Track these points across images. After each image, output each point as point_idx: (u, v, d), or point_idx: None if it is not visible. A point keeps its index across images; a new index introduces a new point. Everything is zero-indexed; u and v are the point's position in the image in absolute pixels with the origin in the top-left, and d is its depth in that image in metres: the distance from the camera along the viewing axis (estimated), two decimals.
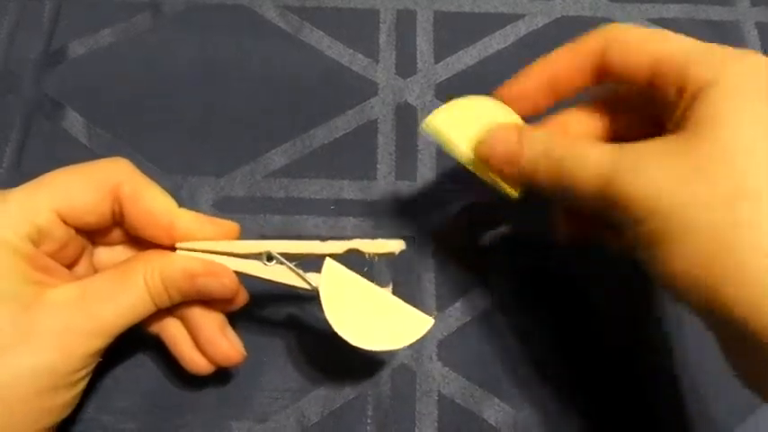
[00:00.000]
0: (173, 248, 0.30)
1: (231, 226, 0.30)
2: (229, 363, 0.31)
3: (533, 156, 0.29)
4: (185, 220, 0.29)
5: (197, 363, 0.31)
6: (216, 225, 0.30)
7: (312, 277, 0.30)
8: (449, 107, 0.32)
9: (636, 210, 0.25)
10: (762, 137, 0.24)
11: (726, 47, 0.27)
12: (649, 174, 0.25)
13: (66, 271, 0.30)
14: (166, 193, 0.30)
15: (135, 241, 0.31)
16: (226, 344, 0.30)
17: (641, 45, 0.28)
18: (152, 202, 0.29)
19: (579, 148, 0.27)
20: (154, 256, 0.29)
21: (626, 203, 0.25)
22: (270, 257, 0.30)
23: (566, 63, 0.30)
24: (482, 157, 0.30)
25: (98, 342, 0.28)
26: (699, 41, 0.27)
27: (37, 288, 0.27)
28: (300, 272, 0.30)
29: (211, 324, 0.30)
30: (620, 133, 0.31)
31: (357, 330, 0.29)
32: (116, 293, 0.28)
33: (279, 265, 0.30)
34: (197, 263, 0.29)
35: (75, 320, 0.27)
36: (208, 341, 0.30)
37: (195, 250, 0.29)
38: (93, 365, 0.28)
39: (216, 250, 0.29)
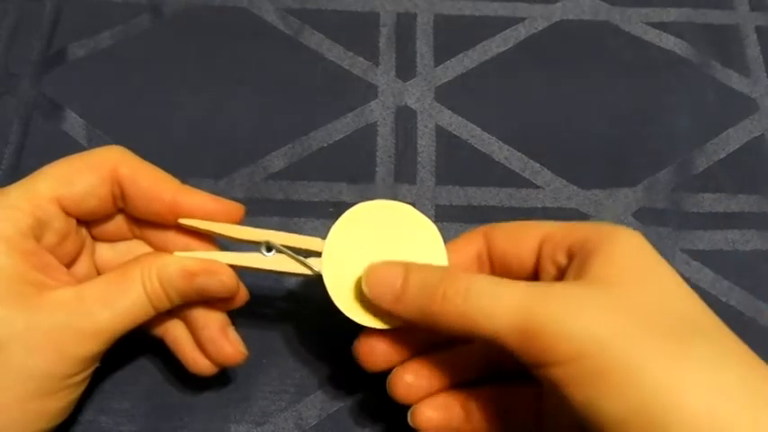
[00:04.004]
0: (176, 226, 0.29)
1: (235, 206, 0.30)
2: (230, 363, 0.31)
3: (426, 293, 0.27)
4: (189, 195, 0.29)
5: (199, 363, 0.31)
6: (219, 203, 0.30)
7: (314, 262, 0.29)
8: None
9: (562, 349, 0.24)
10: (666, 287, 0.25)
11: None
12: (577, 313, 0.24)
13: (64, 270, 0.29)
14: (166, 173, 0.30)
15: (138, 233, 0.31)
16: (227, 344, 0.30)
17: (523, 229, 0.29)
18: (153, 178, 0.29)
19: (489, 281, 0.26)
20: (151, 259, 0.29)
21: (550, 342, 0.24)
22: (269, 248, 0.30)
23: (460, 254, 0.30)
24: (367, 296, 0.28)
25: (95, 345, 0.27)
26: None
27: (35, 289, 0.27)
28: (301, 258, 0.29)
29: (213, 324, 0.30)
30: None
31: (365, 310, 0.29)
32: (113, 298, 0.28)
33: (278, 255, 0.30)
34: (194, 262, 0.29)
35: (72, 323, 0.27)
36: (209, 341, 0.30)
37: (197, 228, 0.29)
38: (91, 370, 0.28)
39: (217, 231, 0.29)
